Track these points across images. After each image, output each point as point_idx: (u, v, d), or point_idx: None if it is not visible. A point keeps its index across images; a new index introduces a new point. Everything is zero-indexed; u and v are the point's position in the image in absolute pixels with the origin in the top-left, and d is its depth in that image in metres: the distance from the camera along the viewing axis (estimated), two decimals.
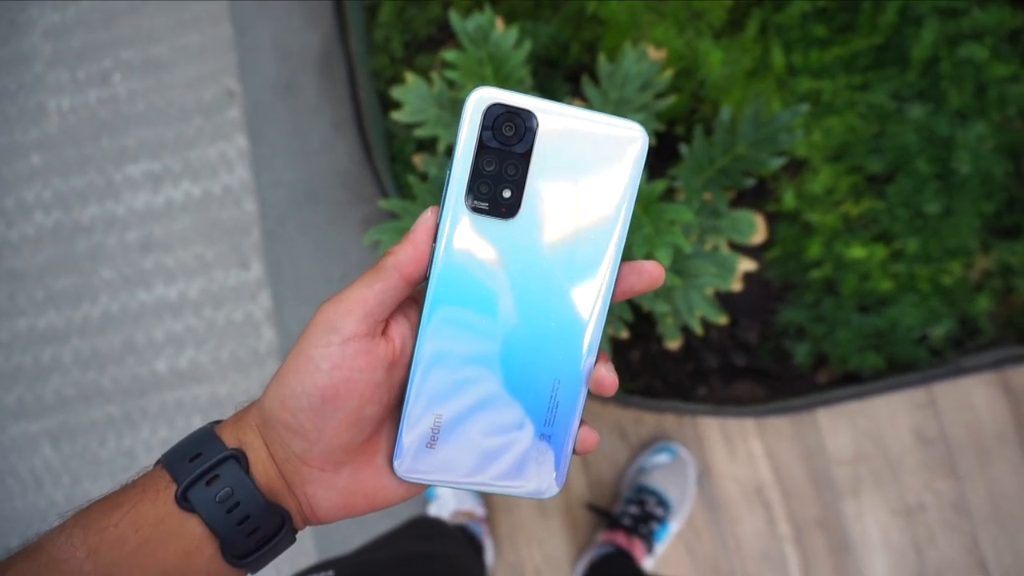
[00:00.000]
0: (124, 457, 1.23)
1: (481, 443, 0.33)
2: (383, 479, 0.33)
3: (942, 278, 0.97)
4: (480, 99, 0.31)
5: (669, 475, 1.08)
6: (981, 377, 1.06)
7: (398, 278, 0.31)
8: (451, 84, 0.80)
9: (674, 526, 1.08)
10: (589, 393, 0.33)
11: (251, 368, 1.22)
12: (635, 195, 0.32)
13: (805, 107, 0.69)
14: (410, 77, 0.77)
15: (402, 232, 0.66)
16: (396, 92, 0.76)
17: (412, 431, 0.32)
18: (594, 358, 0.33)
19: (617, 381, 0.33)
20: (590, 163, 0.31)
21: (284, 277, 1.21)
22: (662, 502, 1.06)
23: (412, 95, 0.76)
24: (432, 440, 0.33)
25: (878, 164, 0.97)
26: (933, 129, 0.95)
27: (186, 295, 1.23)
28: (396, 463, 0.33)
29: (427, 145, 1.05)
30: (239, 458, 0.32)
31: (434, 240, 0.32)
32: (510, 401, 0.33)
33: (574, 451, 0.34)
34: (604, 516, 1.09)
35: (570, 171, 0.31)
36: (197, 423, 1.22)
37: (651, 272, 0.33)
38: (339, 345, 0.30)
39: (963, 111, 0.95)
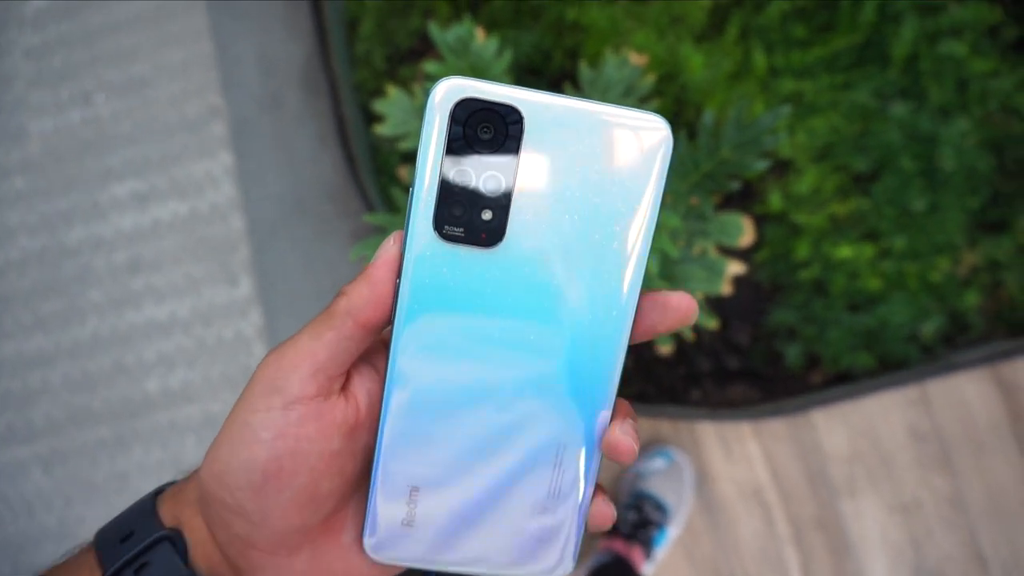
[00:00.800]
0: (117, 480, 1.22)
1: (470, 519, 0.27)
2: (352, 561, 0.28)
3: (930, 275, 0.97)
4: (448, 92, 0.24)
5: (666, 480, 1.08)
6: (973, 372, 1.06)
7: (352, 325, 0.25)
8: None
9: (673, 531, 1.08)
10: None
11: (243, 386, 1.21)
12: (658, 210, 0.25)
13: (787, 109, 0.69)
14: (392, 90, 0.77)
15: None
16: (378, 105, 0.76)
17: (385, 507, 0.27)
18: (608, 414, 0.27)
19: (636, 447, 0.26)
20: (596, 170, 0.24)
21: (274, 292, 1.21)
22: (660, 507, 1.06)
23: (394, 108, 0.76)
24: (409, 517, 0.27)
25: (863, 163, 0.98)
26: (916, 126, 0.95)
27: (176, 314, 1.23)
28: (367, 544, 0.27)
29: (411, 157, 1.04)
30: (175, 541, 0.27)
31: (399, 275, 0.25)
32: (503, 469, 0.27)
33: (585, 527, 0.28)
34: None
35: (570, 182, 0.24)
36: (191, 443, 1.21)
37: (678, 307, 0.26)
38: (281, 409, 0.25)
39: (945, 107, 0.96)
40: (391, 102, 0.76)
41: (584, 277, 0.25)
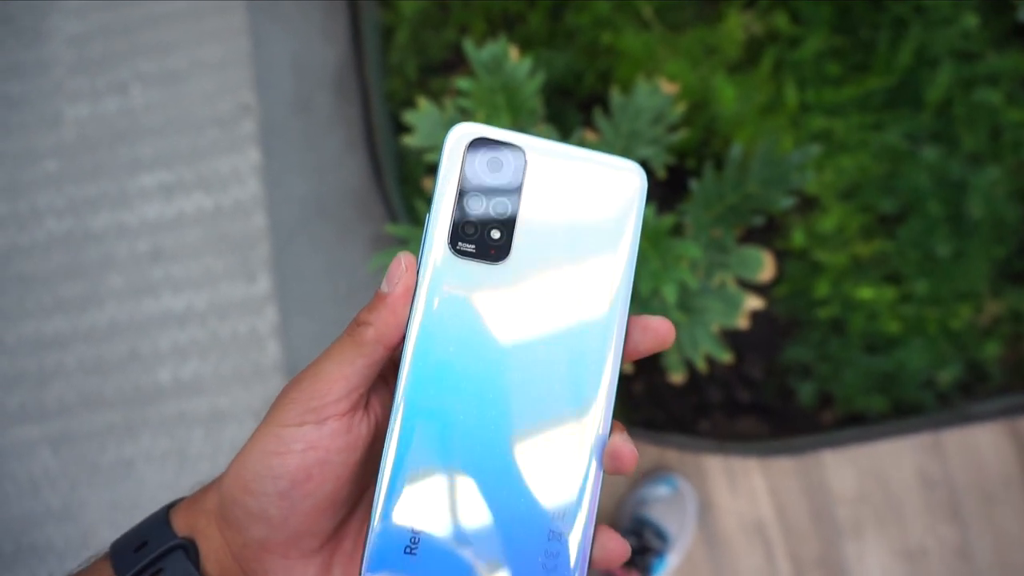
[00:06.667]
0: (123, 466, 1.23)
1: (476, 548, 0.27)
2: (356, 569, 0.29)
3: (951, 321, 0.96)
4: (463, 134, 0.29)
5: (669, 507, 1.07)
6: (989, 424, 1.05)
7: (383, 351, 0.28)
8: (463, 112, 0.80)
9: (672, 559, 1.07)
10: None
11: (253, 382, 1.22)
12: (637, 241, 0.29)
13: (816, 149, 0.69)
14: (422, 102, 0.77)
15: None
16: (408, 117, 0.77)
17: (385, 535, 0.27)
18: (608, 429, 0.28)
19: (636, 453, 0.28)
20: (586, 206, 0.28)
21: (291, 291, 1.21)
22: (660, 534, 1.05)
23: (424, 120, 0.77)
24: (412, 546, 0.27)
25: (889, 204, 0.97)
26: (946, 171, 0.95)
27: (193, 306, 1.24)
28: (366, 570, 0.27)
29: (436, 169, 1.05)
30: (188, 548, 0.28)
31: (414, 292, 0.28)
32: (508, 489, 0.27)
33: (591, 559, 0.28)
34: None
35: (565, 214, 0.28)
36: (198, 435, 1.22)
37: (657, 330, 0.29)
38: (315, 424, 0.27)
39: (977, 155, 0.95)
40: (421, 114, 0.77)
41: (579, 292, 0.28)
